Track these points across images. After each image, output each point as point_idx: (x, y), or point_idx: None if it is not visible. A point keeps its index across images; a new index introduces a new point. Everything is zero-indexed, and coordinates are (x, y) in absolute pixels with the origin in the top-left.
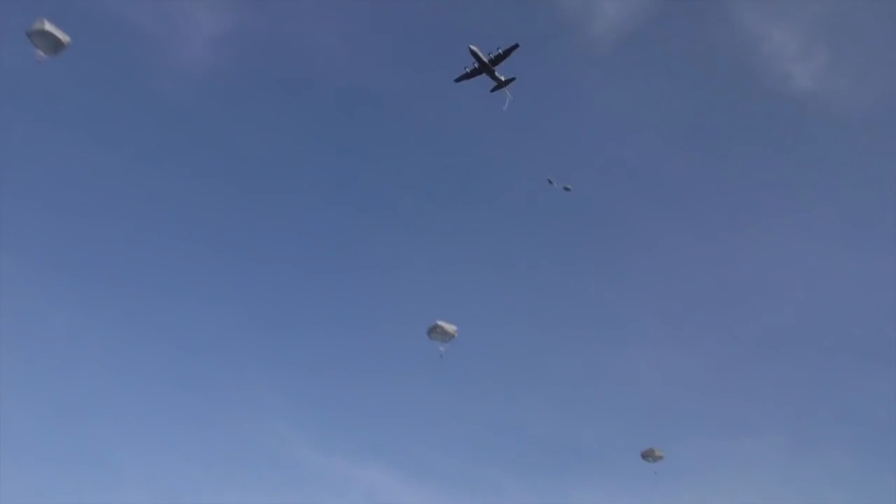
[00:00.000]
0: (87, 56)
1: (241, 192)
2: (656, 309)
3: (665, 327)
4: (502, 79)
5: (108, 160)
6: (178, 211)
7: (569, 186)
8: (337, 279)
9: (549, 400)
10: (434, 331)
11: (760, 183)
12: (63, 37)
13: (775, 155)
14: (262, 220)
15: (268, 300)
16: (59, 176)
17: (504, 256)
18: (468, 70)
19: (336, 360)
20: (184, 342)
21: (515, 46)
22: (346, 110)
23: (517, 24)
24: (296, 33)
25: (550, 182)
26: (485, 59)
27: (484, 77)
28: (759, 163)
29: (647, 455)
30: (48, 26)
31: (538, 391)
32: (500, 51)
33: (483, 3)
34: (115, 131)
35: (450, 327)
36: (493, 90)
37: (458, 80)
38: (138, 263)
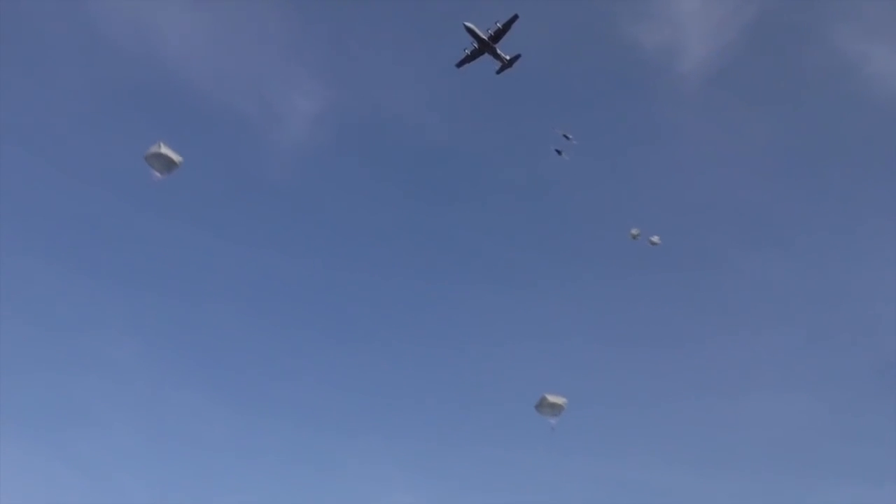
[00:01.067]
0: (193, 143)
1: (344, 265)
2: (771, 351)
3: (782, 369)
4: (507, 57)
5: (215, 242)
6: (286, 291)
7: (568, 136)
8: (449, 351)
9: (672, 456)
10: (543, 404)
11: (867, 206)
12: (176, 157)
13: (883, 175)
14: (371, 294)
15: (382, 376)
16: (171, 260)
17: (607, 314)
18: (468, 52)
19: (453, 432)
20: (304, 419)
21: (514, 17)
22: (441, 169)
23: (603, 70)
24: (384, 101)
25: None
26: (483, 37)
27: (488, 60)
28: (864, 185)
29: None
30: (164, 149)
31: (657, 448)
32: (498, 25)
33: (563, 53)
34: (222, 214)
35: (558, 399)
36: (498, 72)
37: (459, 64)
38: (251, 344)
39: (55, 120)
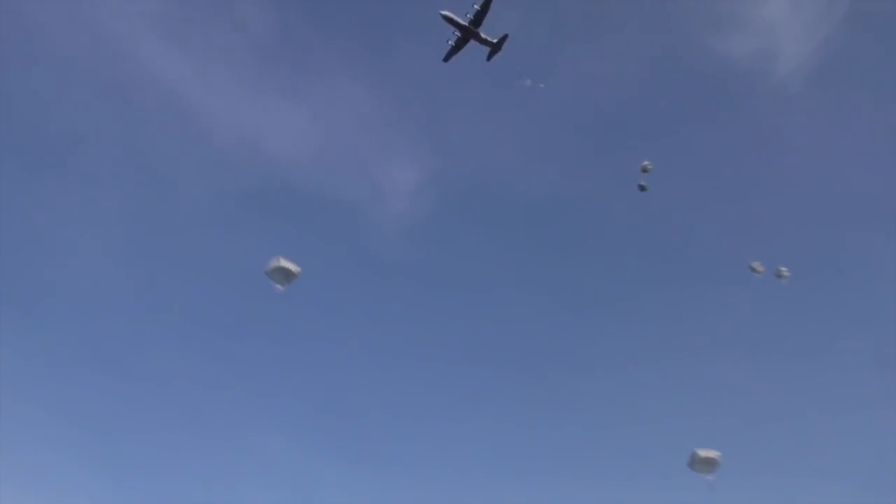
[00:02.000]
0: (306, 232)
1: (453, 339)
2: None
3: None
4: (493, 40)
5: (326, 319)
6: (398, 366)
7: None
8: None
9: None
10: (696, 461)
11: None
12: (294, 268)
13: None
14: (509, 352)
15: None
16: (303, 347)
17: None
18: (452, 43)
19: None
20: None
21: None
22: (547, 217)
23: (698, 89)
24: (480, 162)
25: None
26: (463, 23)
27: (477, 48)
28: None
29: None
30: (283, 262)
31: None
32: (476, 7)
33: (653, 80)
34: (343, 297)
35: (711, 454)
36: (489, 58)
37: (446, 58)
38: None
39: (183, 227)
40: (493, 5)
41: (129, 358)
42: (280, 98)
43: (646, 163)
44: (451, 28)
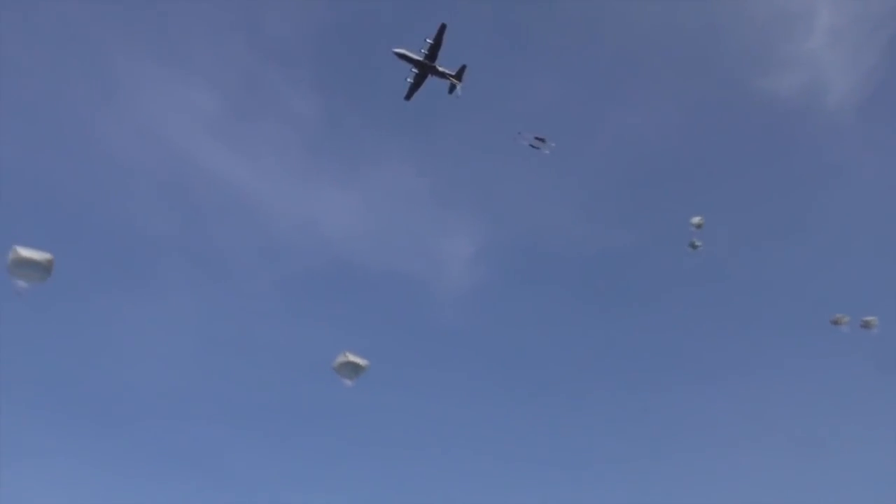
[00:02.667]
0: (369, 310)
1: (535, 391)
2: None
3: None
4: (451, 73)
5: (392, 395)
6: (475, 434)
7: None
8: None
9: None
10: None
11: None
12: (363, 362)
13: None
14: (578, 415)
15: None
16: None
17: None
18: (410, 80)
19: None
20: None
21: (443, 27)
22: (603, 274)
23: (745, 132)
24: (529, 224)
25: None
26: (418, 59)
27: (437, 83)
28: None
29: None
30: (351, 357)
31: None
32: (429, 41)
33: (698, 128)
34: (397, 370)
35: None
36: (450, 92)
37: (407, 96)
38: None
39: (251, 317)
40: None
41: (206, 454)
42: (332, 184)
43: (696, 219)
44: (408, 65)
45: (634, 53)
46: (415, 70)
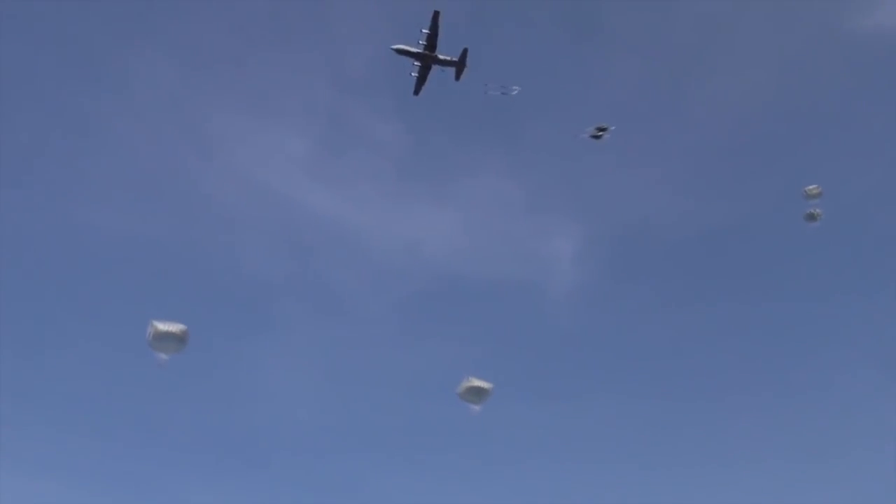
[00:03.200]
0: (484, 323)
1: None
2: None
3: None
4: (453, 59)
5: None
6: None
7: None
8: None
9: None
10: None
11: None
12: (487, 385)
13: None
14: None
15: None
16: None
17: None
18: (415, 74)
19: None
20: None
21: (436, 15)
22: (704, 257)
23: (847, 83)
24: (629, 213)
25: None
26: (418, 51)
27: (444, 74)
28: None
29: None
30: (475, 382)
31: None
32: (424, 31)
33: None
34: (519, 375)
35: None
36: (457, 78)
37: (416, 91)
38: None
39: (368, 346)
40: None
41: (345, 483)
42: (429, 203)
43: (811, 187)
44: (409, 59)
45: (710, 19)
46: (417, 63)
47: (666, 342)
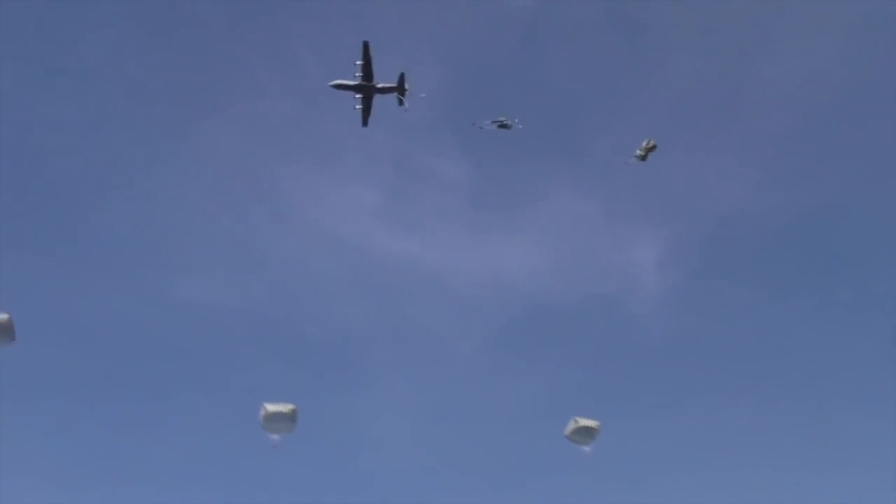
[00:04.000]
0: (578, 339)
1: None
2: None
3: None
4: (392, 85)
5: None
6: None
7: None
8: None
9: None
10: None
11: None
12: (594, 423)
13: None
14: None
15: None
16: None
17: None
18: (359, 107)
19: None
20: None
21: (366, 45)
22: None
23: None
24: (711, 208)
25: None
26: (355, 83)
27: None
28: None
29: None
30: (583, 422)
31: None
32: (358, 63)
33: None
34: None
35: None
36: (401, 104)
37: (364, 123)
38: None
39: (462, 384)
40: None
41: None
42: (504, 232)
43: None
44: (350, 93)
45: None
46: (358, 95)
47: (768, 338)
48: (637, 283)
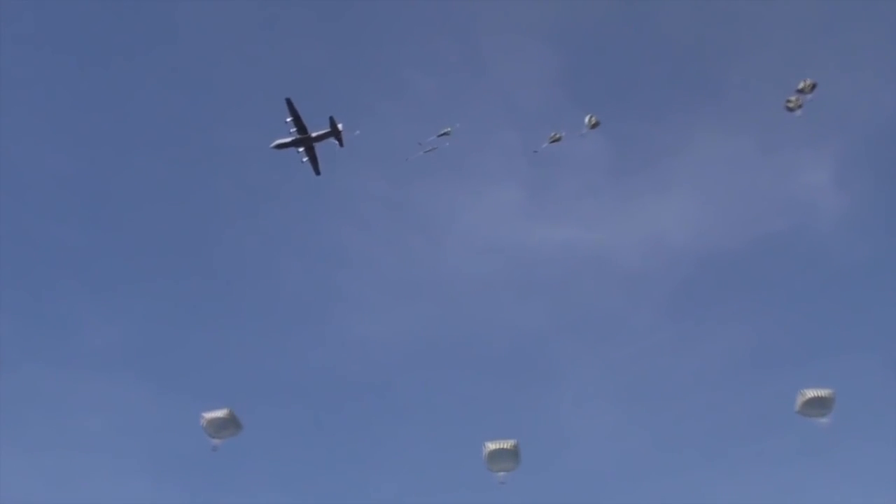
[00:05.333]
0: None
1: None
2: None
3: None
4: (327, 131)
5: None
6: None
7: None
8: None
9: None
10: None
11: None
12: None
13: None
14: None
15: None
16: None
17: None
18: (306, 159)
19: None
20: None
21: (288, 101)
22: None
23: None
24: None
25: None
26: (291, 139)
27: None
28: None
29: None
30: (812, 393)
31: None
32: (287, 120)
33: None
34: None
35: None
36: (341, 146)
37: (316, 172)
38: None
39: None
40: None
41: None
42: (656, 194)
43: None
44: (291, 149)
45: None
46: (300, 150)
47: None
48: (814, 209)
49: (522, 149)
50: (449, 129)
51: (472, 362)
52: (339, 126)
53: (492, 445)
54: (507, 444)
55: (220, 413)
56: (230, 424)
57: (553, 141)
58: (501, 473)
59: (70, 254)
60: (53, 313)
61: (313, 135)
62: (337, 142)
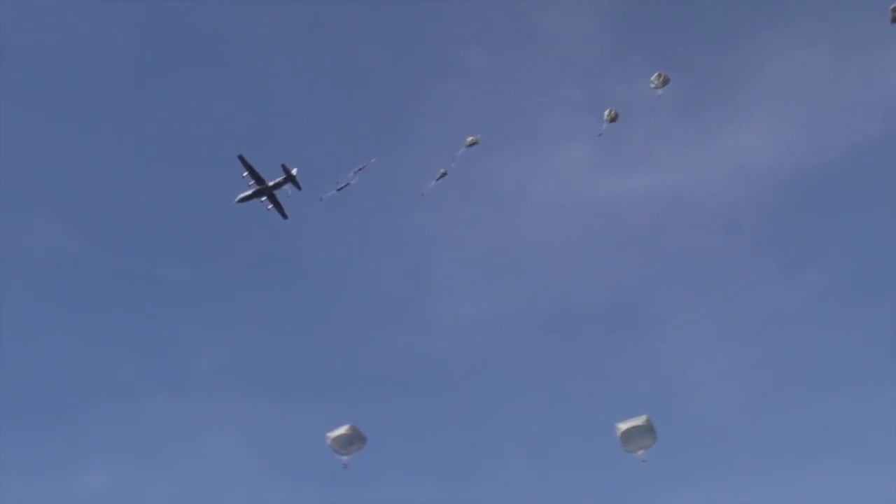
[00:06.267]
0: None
1: None
2: None
3: None
4: (281, 178)
5: None
6: None
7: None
8: None
9: None
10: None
11: None
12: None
13: None
14: None
15: None
16: None
17: None
18: (270, 206)
19: None
20: None
21: (241, 157)
22: None
23: None
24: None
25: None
26: (254, 190)
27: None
28: None
29: None
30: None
31: None
32: (245, 175)
33: None
34: None
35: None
36: (299, 188)
37: (283, 216)
38: None
39: None
40: None
41: None
42: (728, 123)
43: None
44: (255, 200)
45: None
46: (263, 199)
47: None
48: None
49: (586, 104)
50: (477, 137)
51: (571, 326)
52: (294, 171)
53: (623, 426)
54: (639, 420)
55: (342, 430)
56: (355, 439)
57: (611, 120)
58: (640, 451)
59: (164, 287)
60: (162, 345)
61: (271, 183)
62: (295, 185)
